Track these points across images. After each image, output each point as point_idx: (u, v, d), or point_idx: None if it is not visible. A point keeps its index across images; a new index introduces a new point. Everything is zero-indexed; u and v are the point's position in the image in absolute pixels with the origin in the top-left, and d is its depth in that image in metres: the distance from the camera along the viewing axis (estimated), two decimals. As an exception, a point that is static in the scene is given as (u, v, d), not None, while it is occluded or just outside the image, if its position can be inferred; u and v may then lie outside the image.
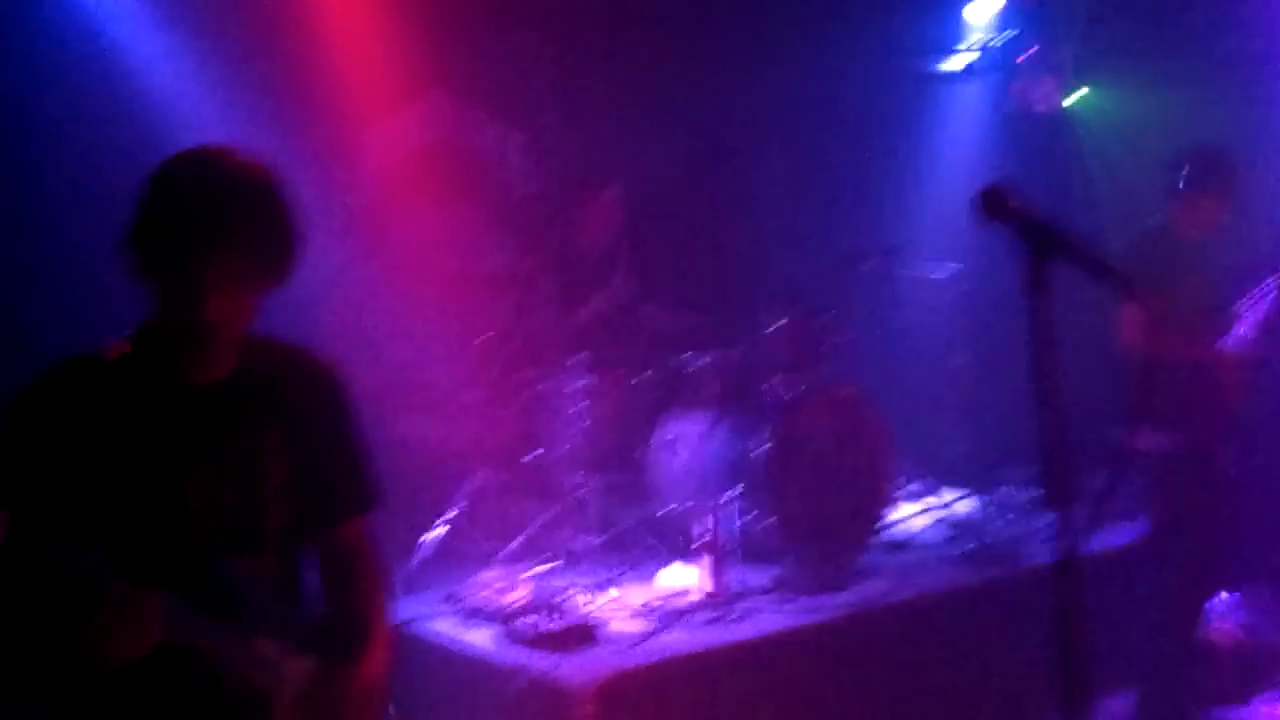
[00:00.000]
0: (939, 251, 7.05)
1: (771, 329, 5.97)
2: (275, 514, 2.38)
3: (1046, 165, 7.73)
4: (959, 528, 6.23)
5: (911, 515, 6.44)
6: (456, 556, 5.77)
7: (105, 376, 2.25)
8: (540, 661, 4.45)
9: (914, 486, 6.69)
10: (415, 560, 5.55)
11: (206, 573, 2.25)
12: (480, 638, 4.79)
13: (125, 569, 2.09)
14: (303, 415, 2.45)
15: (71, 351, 2.31)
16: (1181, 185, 5.04)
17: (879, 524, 5.82)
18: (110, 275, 2.39)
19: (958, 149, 7.96)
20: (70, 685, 2.21)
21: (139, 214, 2.23)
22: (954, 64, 8.16)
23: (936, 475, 6.88)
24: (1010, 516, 6.35)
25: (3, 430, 2.20)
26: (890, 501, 5.91)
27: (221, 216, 2.18)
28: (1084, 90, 8.07)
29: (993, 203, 2.18)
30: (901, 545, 5.99)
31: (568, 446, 5.89)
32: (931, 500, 6.61)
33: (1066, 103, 8.11)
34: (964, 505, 6.62)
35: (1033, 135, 8.01)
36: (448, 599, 5.22)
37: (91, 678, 2.13)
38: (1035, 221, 2.15)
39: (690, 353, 6.22)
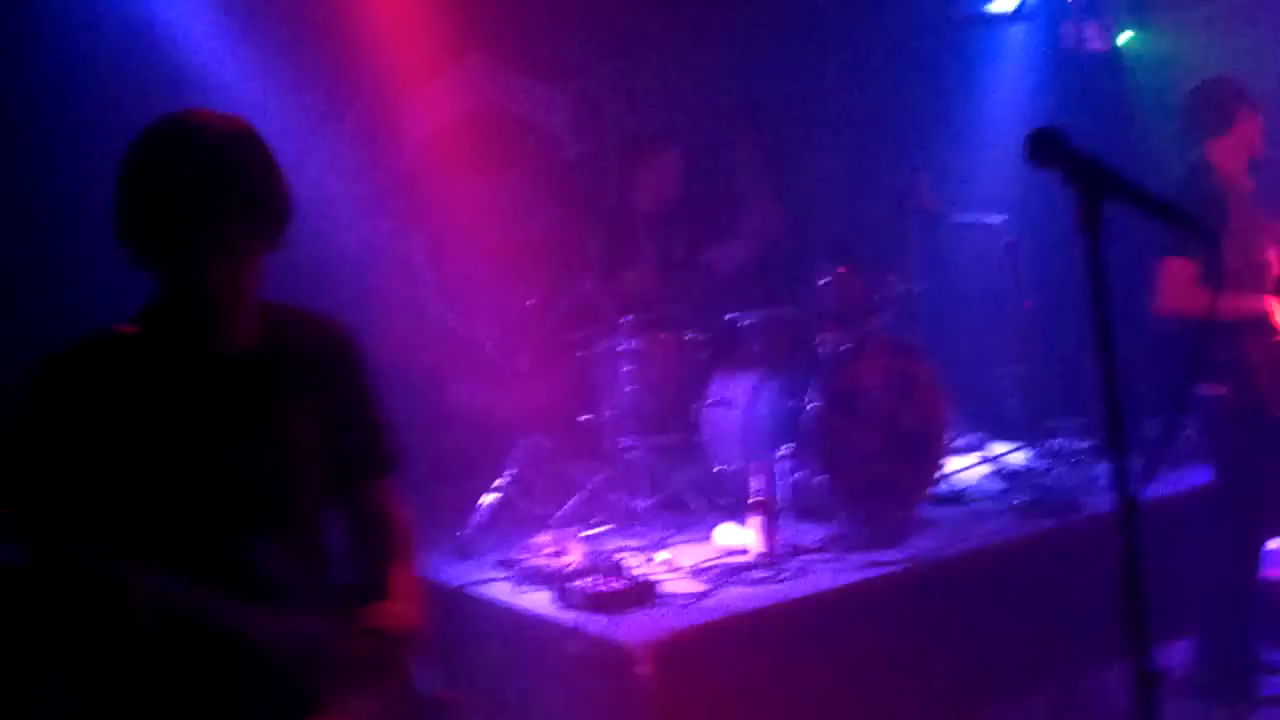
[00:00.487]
0: (990, 199, 6.95)
1: (822, 282, 5.92)
2: (307, 481, 2.38)
3: (1098, 107, 7.60)
4: (1014, 480, 6.17)
5: (966, 468, 6.39)
6: (510, 521, 5.79)
7: (123, 352, 2.22)
8: (596, 622, 4.46)
9: (967, 439, 6.63)
10: (469, 526, 5.57)
11: (239, 549, 2.24)
12: (536, 600, 4.80)
13: (156, 551, 2.07)
14: (328, 380, 2.44)
15: (79, 333, 2.26)
16: (1196, 131, 4.97)
17: (933, 478, 5.77)
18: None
19: (1008, 92, 7.83)
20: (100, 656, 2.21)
21: (123, 197, 2.19)
22: (1004, 5, 8.03)
23: (990, 427, 6.82)
24: (1065, 467, 6.29)
25: (16, 421, 2.17)
26: (944, 455, 5.86)
27: (208, 186, 2.15)
28: (1135, 30, 7.92)
29: (1043, 145, 2.14)
30: (956, 499, 5.95)
31: (618, 409, 5.89)
32: (985, 452, 6.55)
33: (1118, 43, 7.96)
34: (1018, 457, 6.56)
35: (1084, 77, 7.87)
36: (502, 563, 5.24)
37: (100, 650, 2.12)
38: (1087, 162, 2.11)
39: (740, 310, 6.19)
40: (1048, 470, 6.27)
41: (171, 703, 2.21)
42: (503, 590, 4.98)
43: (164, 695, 2.19)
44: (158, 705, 2.21)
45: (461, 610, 4.89)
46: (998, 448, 6.61)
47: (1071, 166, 2.11)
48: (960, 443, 6.61)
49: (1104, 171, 2.11)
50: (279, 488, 2.33)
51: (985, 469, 6.42)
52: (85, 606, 2.01)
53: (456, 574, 5.15)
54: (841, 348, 5.58)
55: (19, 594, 2.06)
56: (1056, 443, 6.60)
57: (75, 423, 2.14)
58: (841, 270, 5.88)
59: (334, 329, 2.51)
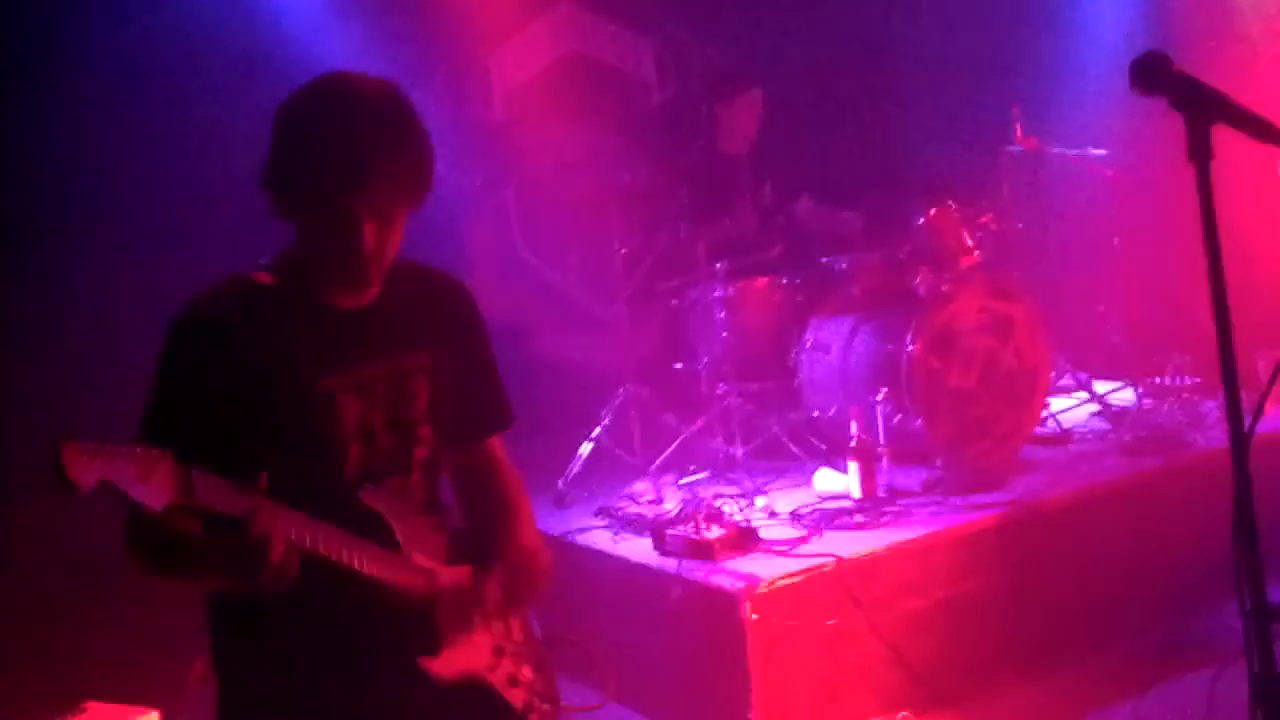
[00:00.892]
0: (1091, 133, 6.78)
1: (918, 223, 5.82)
2: (422, 434, 2.41)
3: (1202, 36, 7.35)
4: (1119, 418, 6.05)
5: (1069, 407, 6.27)
6: (607, 470, 5.82)
7: (256, 300, 2.25)
8: (696, 569, 4.47)
9: (1071, 378, 6.51)
10: (567, 476, 5.61)
11: (358, 494, 2.28)
12: (635, 548, 4.83)
13: (280, 492, 2.09)
14: (445, 336, 2.47)
15: (210, 279, 2.29)
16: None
17: (1036, 418, 5.68)
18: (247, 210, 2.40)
19: (1108, 21, 7.60)
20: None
21: (281, 151, 2.20)
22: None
23: (1094, 365, 6.69)
24: (1172, 404, 6.14)
25: (159, 365, 2.21)
26: (1046, 394, 5.75)
27: (372, 150, 2.16)
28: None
29: (1149, 71, 2.06)
30: (1060, 439, 5.85)
31: (714, 356, 5.87)
32: (1089, 391, 6.43)
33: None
34: (1124, 395, 6.42)
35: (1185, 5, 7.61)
36: (600, 512, 5.27)
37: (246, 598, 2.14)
38: (1194, 86, 2.03)
39: (836, 253, 6.12)
40: (1154, 407, 6.13)
41: (294, 641, 2.26)
42: (602, 539, 5.01)
43: (287, 633, 2.23)
44: (281, 642, 2.26)
45: (562, 559, 4.92)
46: (1102, 386, 6.48)
47: (1178, 92, 2.03)
48: (1063, 382, 6.49)
49: (1212, 95, 2.03)
50: (394, 438, 2.36)
51: (1090, 408, 6.30)
52: (222, 545, 2.04)
53: (556, 523, 5.20)
54: (939, 289, 5.49)
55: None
56: (1163, 379, 6.44)
57: (210, 368, 2.18)
58: (938, 210, 5.77)
59: (452, 284, 2.54)
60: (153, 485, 1.88)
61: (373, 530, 2.26)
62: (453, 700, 2.34)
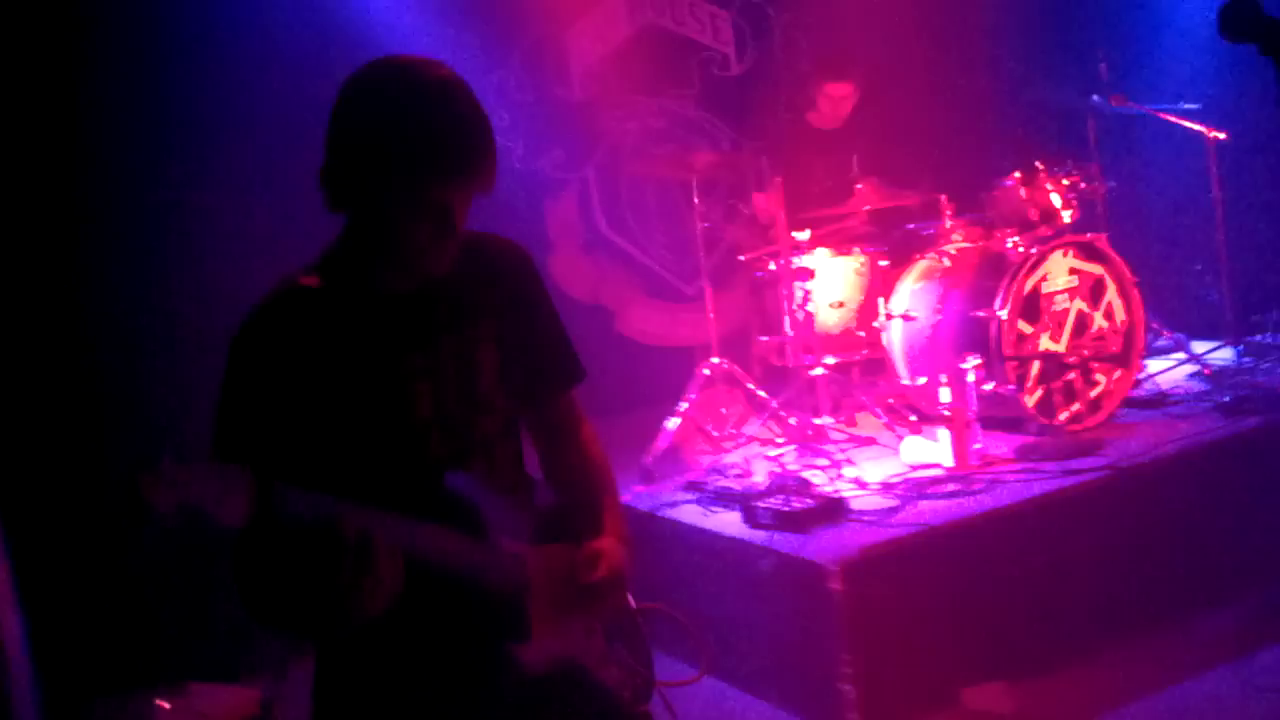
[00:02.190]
0: (1182, 87, 6.61)
1: (1006, 184, 5.72)
2: (496, 408, 2.38)
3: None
4: (1216, 379, 5.91)
5: (1166, 369, 6.14)
6: (694, 444, 5.82)
7: (309, 303, 2.21)
8: (787, 541, 4.45)
9: (1167, 339, 6.37)
10: (653, 451, 5.61)
11: (440, 484, 2.24)
12: (724, 521, 4.82)
13: (362, 495, 2.07)
14: (508, 300, 2.43)
15: (263, 289, 2.25)
16: None
17: (1131, 381, 5.57)
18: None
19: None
20: (328, 634, 2.26)
21: (348, 132, 2.16)
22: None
23: (1190, 326, 6.54)
24: (1271, 363, 5.99)
25: (223, 384, 2.17)
26: (1142, 356, 5.64)
27: (441, 140, 2.12)
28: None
29: (1238, 16, 2.00)
30: (1157, 401, 5.72)
31: (797, 327, 5.83)
32: (1186, 352, 6.29)
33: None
34: (1221, 355, 6.27)
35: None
36: (689, 486, 5.27)
37: (347, 629, 2.10)
38: (1285, 31, 1.96)
39: (923, 220, 6.04)
40: (1254, 366, 5.98)
41: (387, 631, 2.21)
42: (692, 512, 5.01)
43: (380, 622, 2.18)
44: (374, 632, 2.20)
45: (652, 533, 4.94)
46: (1199, 346, 6.33)
47: (1269, 36, 1.97)
48: (1160, 343, 6.36)
49: (1306, 40, 1.96)
50: (469, 419, 2.33)
51: (1187, 368, 6.16)
52: (313, 558, 2.00)
53: (644, 499, 5.20)
54: (1028, 252, 5.39)
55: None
56: (1262, 338, 6.28)
57: (273, 381, 2.16)
58: (1025, 172, 5.67)
59: (509, 248, 2.50)
60: (231, 502, 1.87)
61: (459, 518, 2.24)
62: (546, 684, 2.33)
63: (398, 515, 2.10)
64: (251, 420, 2.14)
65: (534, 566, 2.33)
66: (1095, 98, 6.33)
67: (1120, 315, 5.47)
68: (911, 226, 6.04)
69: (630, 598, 2.57)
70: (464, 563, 2.23)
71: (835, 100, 6.38)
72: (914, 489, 4.81)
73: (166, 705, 3.49)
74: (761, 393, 5.87)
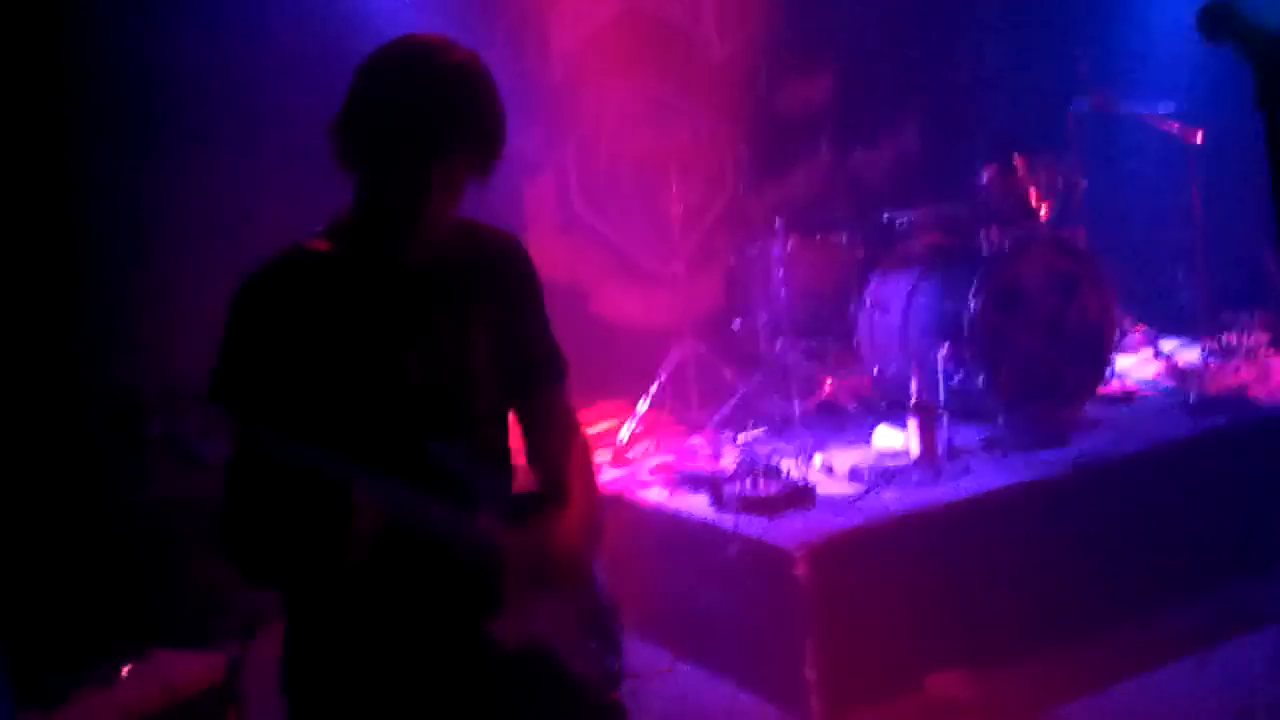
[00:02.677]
0: (1160, 88, 6.65)
1: (983, 178, 5.74)
2: (484, 388, 2.42)
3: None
4: (1184, 376, 5.96)
5: (1135, 365, 6.19)
6: (664, 427, 5.83)
7: (314, 267, 2.28)
8: (754, 525, 4.47)
9: (1136, 336, 6.42)
10: (623, 432, 5.62)
11: (424, 452, 2.29)
12: (692, 504, 4.83)
13: (348, 455, 2.13)
14: (502, 290, 2.48)
15: (272, 249, 2.32)
16: None
17: (1100, 376, 5.61)
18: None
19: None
20: (304, 578, 2.29)
21: (364, 102, 2.23)
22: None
23: (1159, 323, 6.59)
24: (1237, 363, 6.04)
25: (224, 334, 2.23)
26: (1111, 352, 5.68)
27: (454, 117, 2.22)
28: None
29: (1215, 19, 2.02)
30: (1125, 398, 5.77)
31: (772, 313, 5.84)
32: (1155, 349, 6.34)
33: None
34: (1188, 353, 6.32)
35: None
36: (658, 468, 5.28)
37: (321, 573, 2.21)
38: (1264, 34, 1.98)
39: (897, 209, 6.05)
40: (1221, 366, 6.03)
41: (358, 596, 2.28)
42: (659, 494, 5.03)
43: (352, 587, 2.26)
44: (346, 597, 2.29)
45: (619, 515, 4.95)
46: (1168, 344, 6.38)
47: (1247, 39, 1.99)
48: (1129, 340, 6.40)
49: (1281, 41, 1.98)
50: (458, 394, 2.37)
51: (1155, 366, 6.21)
52: (299, 508, 2.10)
53: (613, 480, 5.22)
54: (1004, 246, 5.42)
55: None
56: (1230, 337, 6.33)
57: (271, 336, 2.21)
58: (1002, 166, 5.69)
59: (507, 241, 2.56)
60: (214, 439, 1.96)
61: (441, 486, 2.27)
62: (515, 663, 2.35)
63: (381, 475, 2.15)
64: (247, 371, 2.20)
65: (509, 545, 2.35)
66: (1075, 95, 6.35)
67: (1092, 311, 5.50)
68: (887, 216, 6.05)
69: (602, 589, 2.58)
70: (441, 530, 2.26)
71: (804, 93, 6.37)
72: (882, 477, 4.84)
73: (130, 672, 3.48)
74: (733, 377, 5.88)
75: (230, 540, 2.21)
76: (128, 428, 1.89)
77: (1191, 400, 5.50)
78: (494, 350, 2.43)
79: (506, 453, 2.54)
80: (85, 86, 5.07)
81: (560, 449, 2.61)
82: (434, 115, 2.20)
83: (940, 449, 4.99)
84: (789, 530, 4.38)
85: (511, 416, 2.58)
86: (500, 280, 2.50)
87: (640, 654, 2.70)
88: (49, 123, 4.97)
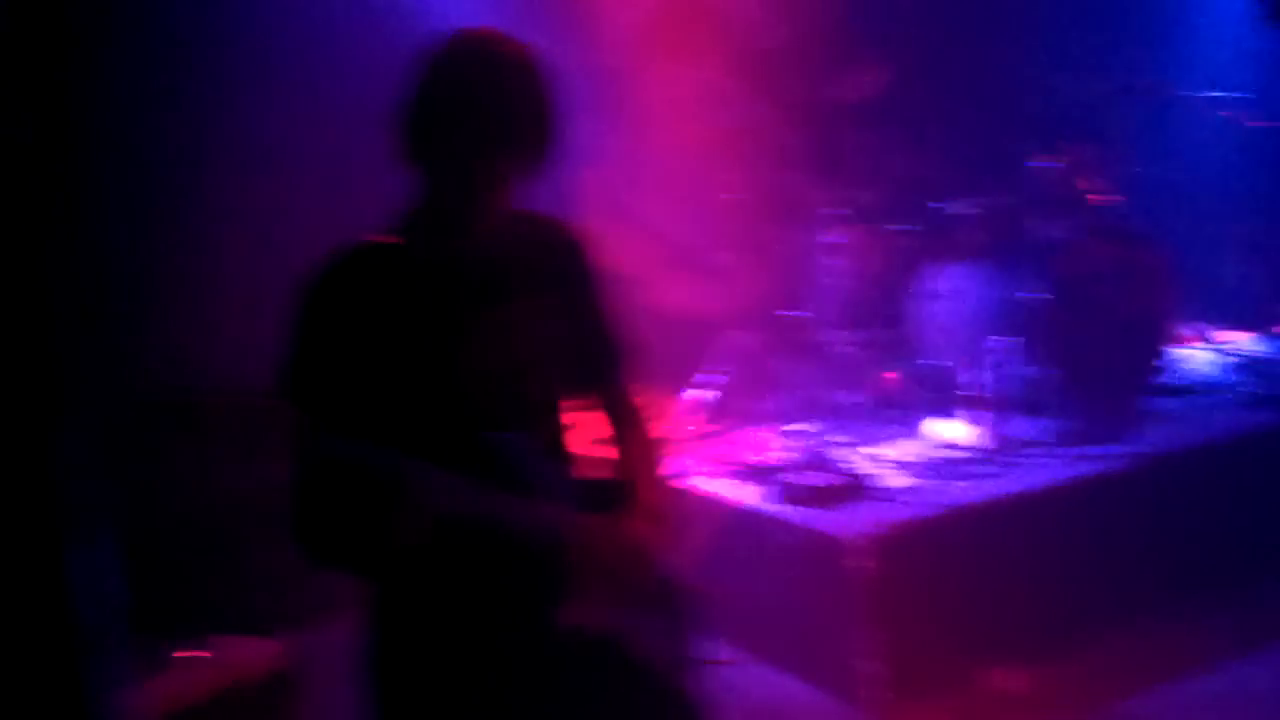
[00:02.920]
0: (1218, 75, 6.55)
1: (1039, 167, 5.67)
2: (544, 380, 2.42)
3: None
4: (1246, 369, 5.87)
5: (1194, 358, 6.11)
6: (716, 418, 5.80)
7: (377, 261, 2.30)
8: (812, 516, 4.45)
9: (1196, 327, 6.33)
10: (673, 424, 5.59)
11: (485, 443, 2.29)
12: (751, 495, 4.81)
13: (412, 448, 2.14)
14: (563, 282, 2.49)
15: (338, 241, 2.34)
16: None
17: (1158, 369, 5.53)
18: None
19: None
20: (374, 567, 2.30)
21: (423, 98, 2.25)
22: None
23: (1219, 314, 6.50)
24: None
25: (291, 328, 2.25)
26: (1170, 344, 5.60)
27: (511, 111, 2.23)
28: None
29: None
30: (1184, 390, 5.69)
31: (824, 303, 5.80)
32: (1216, 341, 6.25)
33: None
34: (1251, 345, 6.23)
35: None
36: (712, 460, 5.26)
37: (387, 562, 2.22)
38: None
39: (951, 198, 5.98)
40: (1281, 357, 5.95)
41: (428, 584, 2.30)
42: (712, 485, 5.00)
43: (422, 577, 2.28)
44: (415, 588, 2.31)
45: (675, 507, 4.92)
46: (1227, 336, 6.29)
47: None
48: (1188, 331, 6.31)
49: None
50: (521, 385, 2.38)
51: (1216, 358, 6.13)
52: (367, 503, 2.11)
53: (667, 470, 5.19)
54: (1059, 235, 5.35)
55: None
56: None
57: (336, 329, 2.23)
58: (1057, 154, 5.62)
59: (567, 231, 2.56)
60: (280, 433, 1.99)
61: (504, 477, 2.27)
62: (583, 651, 2.36)
63: (444, 468, 2.16)
64: (314, 366, 2.22)
65: (574, 532, 2.36)
66: (1132, 81, 6.27)
67: (1149, 302, 5.43)
68: (944, 205, 5.99)
69: (672, 574, 2.58)
70: (506, 520, 2.26)
71: (860, 84, 6.31)
72: (936, 468, 4.80)
73: (187, 655, 3.50)
74: (783, 367, 5.85)
75: (301, 531, 2.23)
76: (192, 422, 1.89)
77: (1250, 392, 5.42)
78: (555, 341, 2.44)
79: (564, 444, 2.53)
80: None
81: (624, 437, 2.61)
82: (490, 110, 2.22)
83: (996, 440, 4.95)
84: (844, 521, 4.35)
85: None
86: (561, 270, 2.50)
87: (706, 646, 2.68)
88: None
